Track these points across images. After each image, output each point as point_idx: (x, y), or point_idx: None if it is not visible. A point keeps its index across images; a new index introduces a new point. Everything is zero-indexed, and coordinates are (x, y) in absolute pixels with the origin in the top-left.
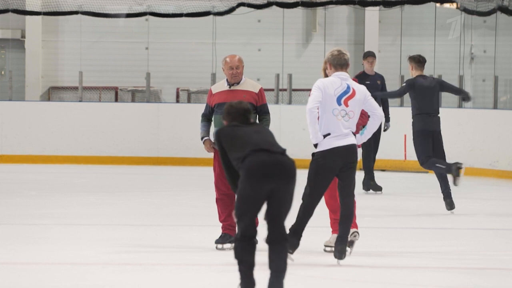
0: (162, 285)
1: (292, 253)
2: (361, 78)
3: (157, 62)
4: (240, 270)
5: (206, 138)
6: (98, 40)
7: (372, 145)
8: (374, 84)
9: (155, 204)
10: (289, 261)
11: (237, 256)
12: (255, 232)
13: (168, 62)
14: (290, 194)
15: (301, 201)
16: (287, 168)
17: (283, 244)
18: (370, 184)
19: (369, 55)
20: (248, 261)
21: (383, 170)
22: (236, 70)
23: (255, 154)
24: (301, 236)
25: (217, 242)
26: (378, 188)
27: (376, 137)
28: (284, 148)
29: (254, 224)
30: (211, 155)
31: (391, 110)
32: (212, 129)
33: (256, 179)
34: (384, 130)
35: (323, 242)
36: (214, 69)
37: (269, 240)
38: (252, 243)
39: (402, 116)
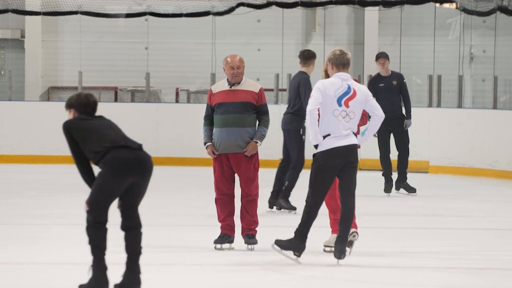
0: (162, 285)
1: (299, 256)
2: (375, 81)
3: (157, 62)
4: (95, 254)
5: (208, 143)
6: (98, 40)
7: (389, 148)
8: (389, 86)
9: (155, 204)
10: (293, 262)
11: (91, 241)
12: (107, 219)
13: (167, 62)
14: (146, 186)
15: (304, 204)
16: (147, 163)
17: (138, 229)
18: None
19: (380, 57)
20: (102, 245)
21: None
22: (237, 70)
23: (116, 150)
24: (306, 238)
25: (216, 242)
26: (389, 190)
27: (400, 138)
28: (140, 143)
29: (107, 212)
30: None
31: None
32: (214, 132)
33: (118, 175)
34: (405, 128)
35: (323, 242)
36: (213, 69)
37: (125, 227)
38: (105, 229)
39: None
